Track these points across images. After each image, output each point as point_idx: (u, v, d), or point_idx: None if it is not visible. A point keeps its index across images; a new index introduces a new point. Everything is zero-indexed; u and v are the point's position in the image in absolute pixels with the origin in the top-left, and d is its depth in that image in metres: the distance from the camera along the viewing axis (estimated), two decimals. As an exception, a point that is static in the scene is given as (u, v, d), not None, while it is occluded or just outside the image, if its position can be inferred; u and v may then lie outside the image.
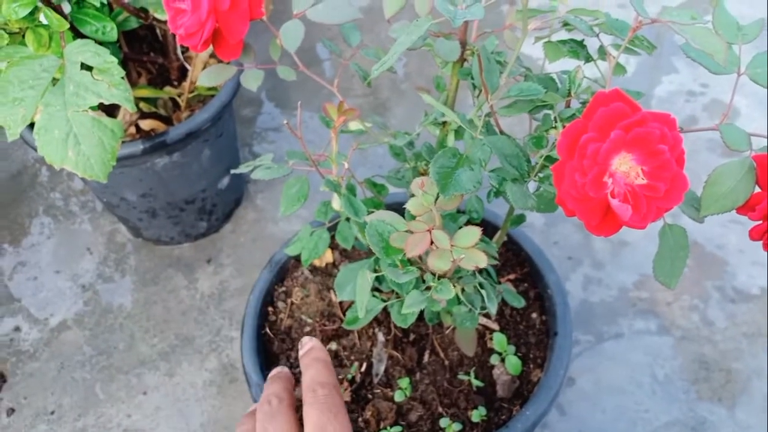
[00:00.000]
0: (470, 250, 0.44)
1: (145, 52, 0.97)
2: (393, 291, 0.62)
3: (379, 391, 0.68)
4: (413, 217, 0.47)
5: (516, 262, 0.77)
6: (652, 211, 0.39)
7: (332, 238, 0.66)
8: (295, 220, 1.09)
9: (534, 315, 0.73)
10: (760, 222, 0.43)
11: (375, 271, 0.53)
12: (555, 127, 0.49)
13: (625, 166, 0.39)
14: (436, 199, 0.47)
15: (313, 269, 0.77)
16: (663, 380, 0.92)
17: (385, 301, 0.60)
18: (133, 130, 0.92)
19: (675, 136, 0.39)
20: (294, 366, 0.71)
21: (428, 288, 0.51)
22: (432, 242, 0.45)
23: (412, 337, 0.71)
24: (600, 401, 0.90)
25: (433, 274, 0.50)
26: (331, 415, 0.50)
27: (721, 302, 0.99)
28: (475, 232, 0.45)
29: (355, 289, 0.53)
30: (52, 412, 0.92)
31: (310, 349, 0.57)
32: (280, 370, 0.60)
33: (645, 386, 0.91)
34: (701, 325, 0.96)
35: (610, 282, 1.01)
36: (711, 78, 1.25)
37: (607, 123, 0.38)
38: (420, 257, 0.50)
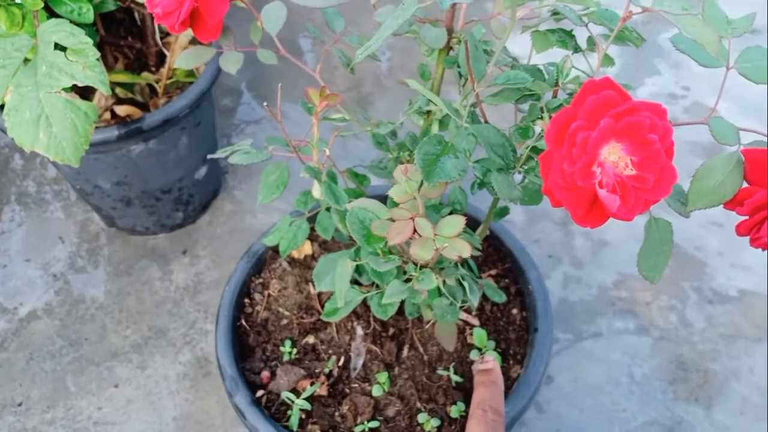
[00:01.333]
0: (454, 240, 0.43)
1: (123, 36, 0.94)
2: (373, 283, 0.61)
3: (356, 385, 0.66)
4: (396, 205, 0.46)
5: (497, 257, 0.76)
6: (640, 203, 0.39)
7: (312, 229, 0.64)
8: (273, 213, 1.07)
9: (515, 311, 0.73)
10: (748, 217, 0.43)
11: (355, 261, 0.51)
12: (541, 118, 0.48)
13: (615, 156, 0.38)
14: (420, 186, 0.46)
15: (291, 261, 0.75)
16: (641, 380, 0.91)
17: (364, 293, 0.58)
18: (108, 115, 0.89)
19: (665, 126, 0.38)
20: (270, 359, 0.69)
21: (409, 279, 0.50)
22: (415, 231, 0.44)
23: (391, 331, 0.69)
24: (578, 400, 0.89)
25: (415, 264, 0.49)
26: None
27: (699, 303, 0.99)
28: (458, 221, 0.44)
29: (334, 279, 0.51)
30: (20, 404, 0.89)
31: (491, 369, 0.62)
32: None
33: (623, 386, 0.91)
34: (679, 326, 0.97)
35: (589, 281, 1.01)
36: (692, 81, 1.26)
37: (597, 111, 0.37)
38: (402, 247, 0.48)
